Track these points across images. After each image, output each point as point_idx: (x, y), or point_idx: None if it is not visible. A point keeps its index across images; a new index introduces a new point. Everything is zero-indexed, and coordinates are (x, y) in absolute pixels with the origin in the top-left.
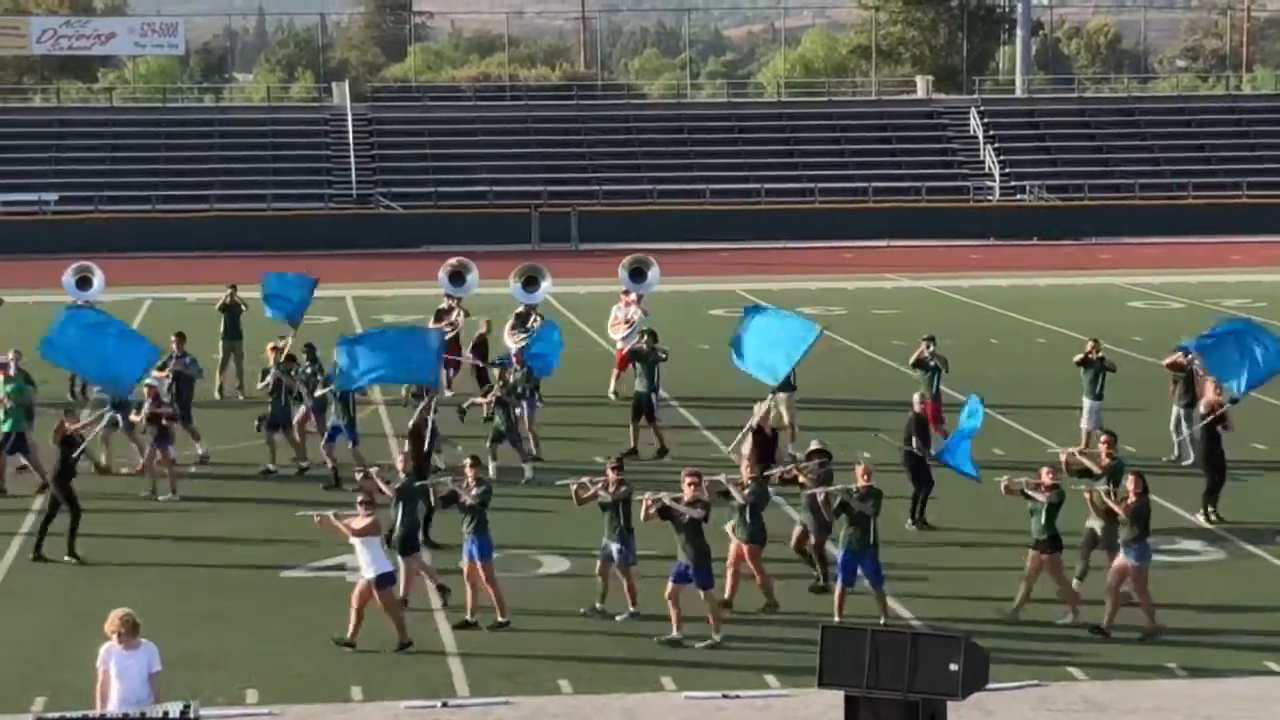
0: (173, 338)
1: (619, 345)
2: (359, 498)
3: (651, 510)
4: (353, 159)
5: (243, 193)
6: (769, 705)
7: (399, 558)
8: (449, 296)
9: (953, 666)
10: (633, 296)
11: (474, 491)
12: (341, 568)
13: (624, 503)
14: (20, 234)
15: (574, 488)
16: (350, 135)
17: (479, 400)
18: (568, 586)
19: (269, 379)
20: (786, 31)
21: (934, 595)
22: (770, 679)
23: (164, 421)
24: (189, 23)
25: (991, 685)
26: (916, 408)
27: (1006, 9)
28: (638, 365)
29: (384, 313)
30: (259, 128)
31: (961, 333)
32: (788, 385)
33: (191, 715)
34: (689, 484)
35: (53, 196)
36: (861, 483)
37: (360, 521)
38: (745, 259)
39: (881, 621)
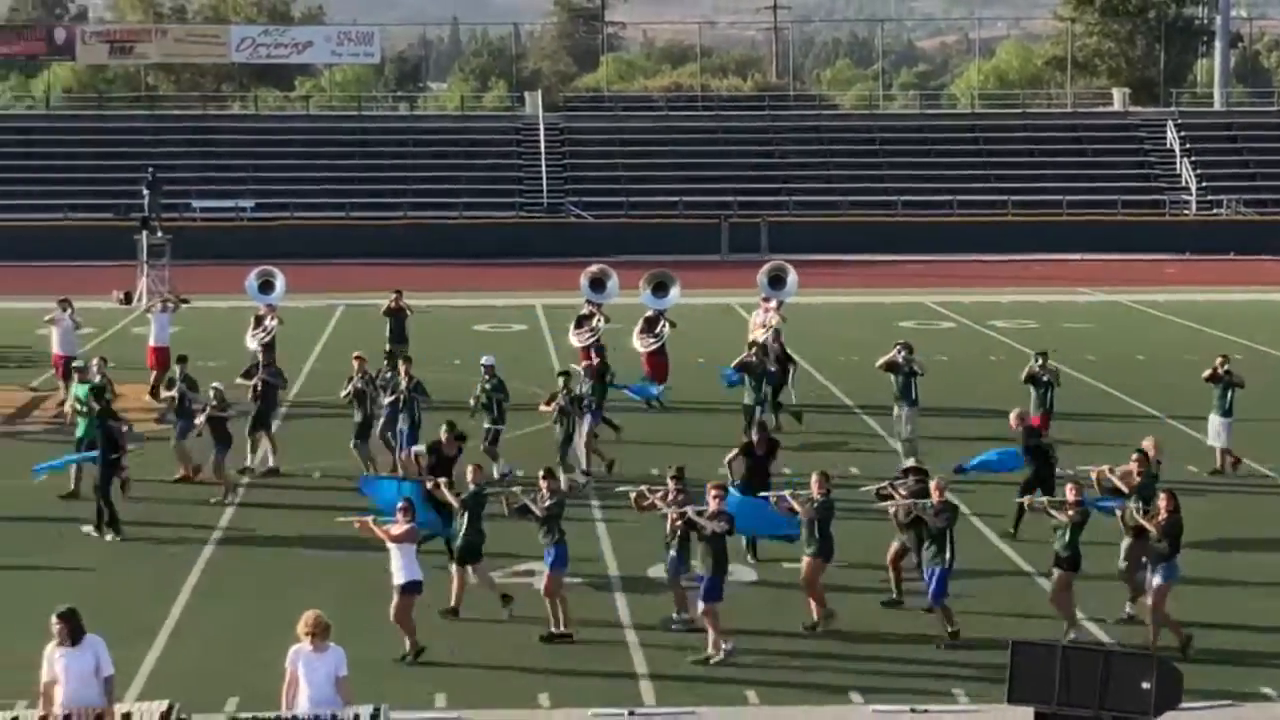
0: (260, 348)
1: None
2: (400, 504)
3: (678, 523)
4: (544, 168)
5: (435, 201)
6: None
7: (455, 567)
8: (590, 303)
9: (1145, 685)
10: (772, 303)
11: (546, 503)
12: (531, 573)
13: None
14: (218, 240)
15: (633, 496)
16: (542, 144)
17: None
18: (755, 597)
19: (349, 388)
20: (980, 42)
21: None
22: (959, 692)
23: (225, 426)
24: (384, 32)
25: (1183, 705)
26: (1013, 424)
27: (1205, 21)
28: (747, 379)
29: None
30: (452, 136)
31: (1157, 348)
32: (911, 400)
33: (381, 719)
34: (714, 497)
35: (249, 203)
36: (936, 499)
37: (398, 528)
38: (936, 271)
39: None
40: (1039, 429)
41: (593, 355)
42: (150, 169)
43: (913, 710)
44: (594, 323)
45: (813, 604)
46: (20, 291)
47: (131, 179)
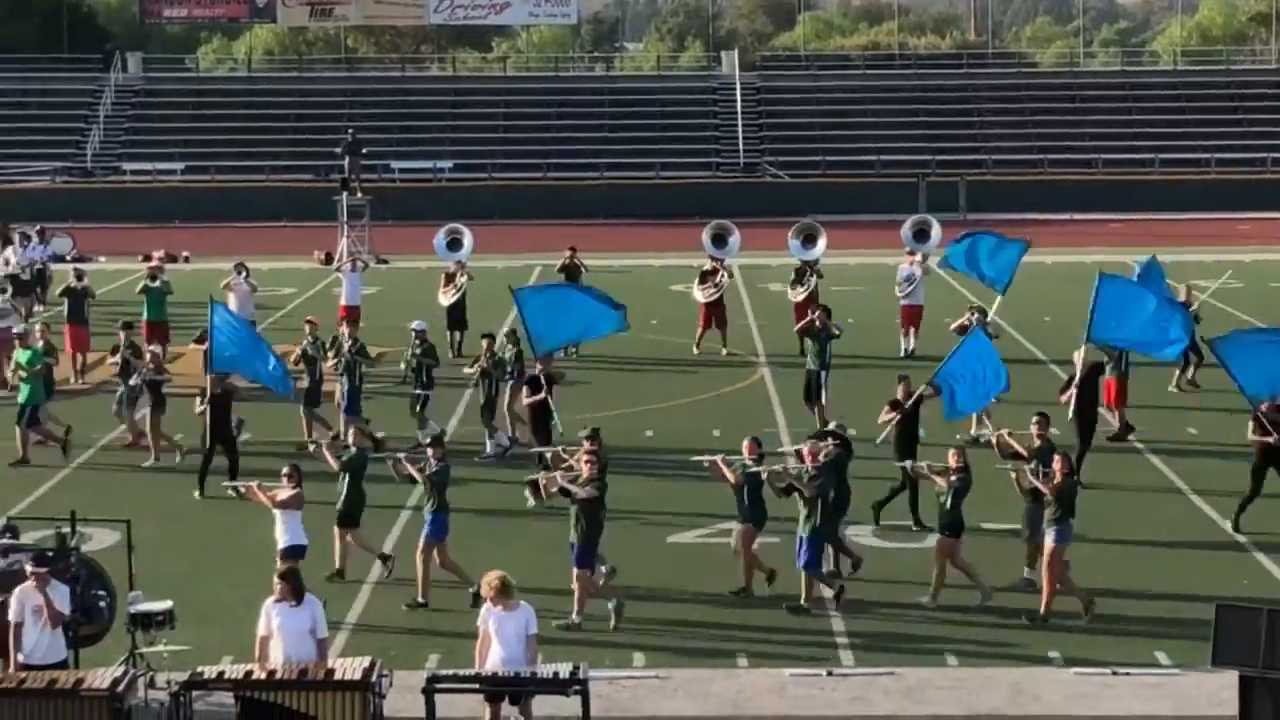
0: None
1: (901, 301)
2: (284, 469)
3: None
4: (740, 128)
5: (631, 161)
6: (1160, 684)
7: (338, 530)
8: (713, 258)
9: None
10: (917, 256)
11: (433, 470)
12: (727, 533)
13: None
14: (416, 200)
15: (706, 464)
16: (738, 104)
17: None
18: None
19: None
20: None
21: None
22: (1160, 655)
23: (162, 390)
24: None
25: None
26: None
27: None
28: (809, 342)
29: (770, 281)
30: (648, 97)
31: None
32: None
33: (581, 676)
34: (586, 462)
35: (448, 164)
36: (810, 465)
37: (283, 494)
38: (1137, 230)
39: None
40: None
41: (811, 312)
42: (350, 131)
43: (1113, 672)
44: (718, 278)
45: (743, 570)
46: (224, 252)
47: (331, 141)
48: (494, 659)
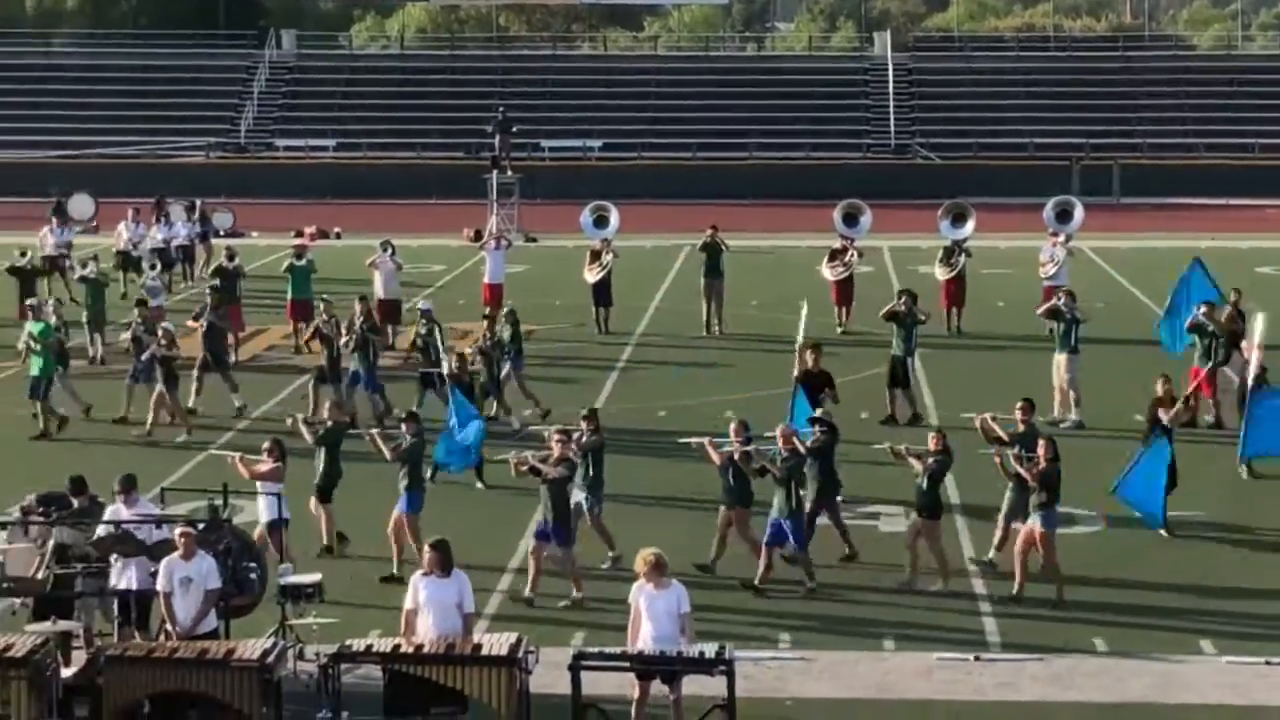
0: (208, 290)
1: (1044, 283)
2: (265, 444)
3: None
4: (892, 109)
5: (781, 141)
6: None
7: (317, 504)
8: (843, 237)
9: None
10: (1060, 237)
11: (407, 444)
12: (875, 516)
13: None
14: (566, 179)
15: (694, 445)
16: (890, 85)
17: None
18: (1099, 544)
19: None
20: None
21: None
22: None
23: (174, 366)
24: None
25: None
26: (1159, 390)
27: None
28: (895, 328)
29: (919, 263)
30: (799, 77)
31: None
32: (1071, 347)
33: (726, 656)
34: (557, 441)
35: (597, 143)
36: (782, 446)
37: (262, 467)
38: None
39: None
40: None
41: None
42: (500, 109)
43: (1267, 662)
44: (846, 257)
45: (755, 557)
46: (375, 229)
47: (482, 119)
48: (645, 637)
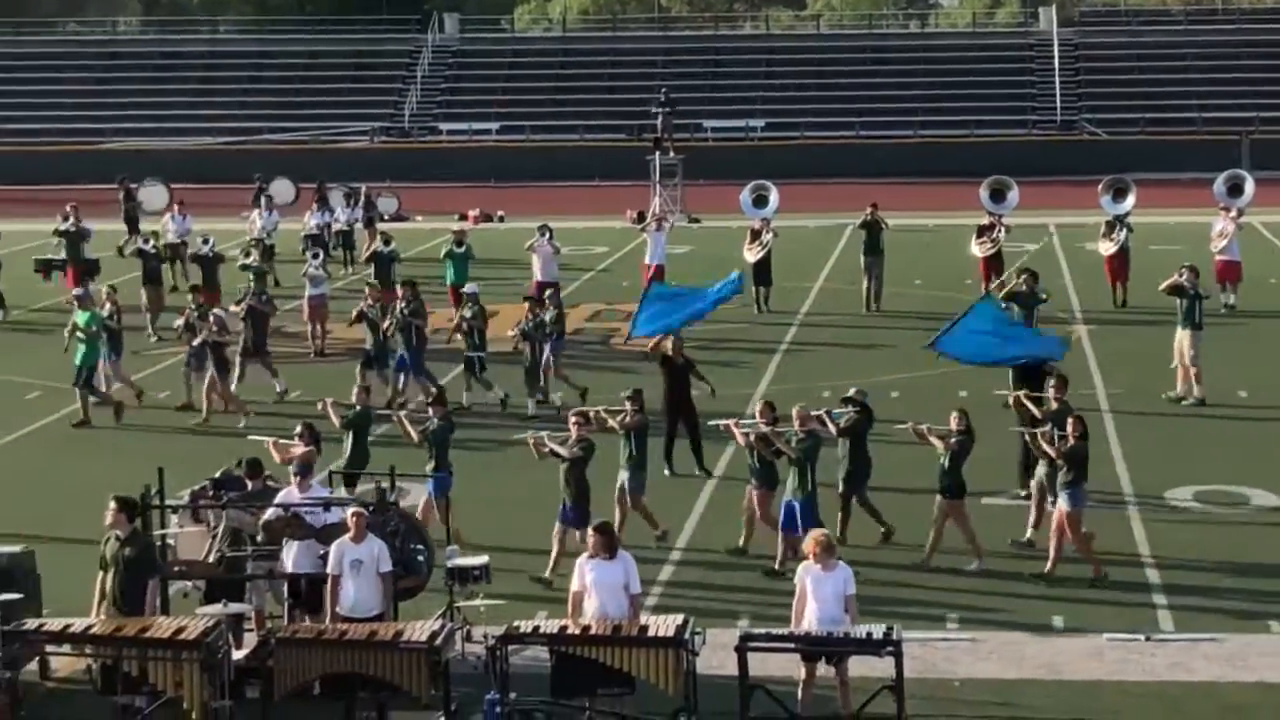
0: (252, 276)
1: (1216, 257)
2: (297, 428)
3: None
4: (1058, 84)
5: (946, 119)
6: None
7: (343, 488)
8: (990, 214)
9: None
10: (1232, 212)
11: (432, 427)
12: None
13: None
14: (728, 159)
15: (531, 443)
16: (1056, 60)
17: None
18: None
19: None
20: None
21: None
22: None
23: (225, 352)
24: None
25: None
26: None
27: None
28: (1015, 308)
29: (1086, 240)
30: (963, 54)
31: None
32: (1195, 323)
33: (894, 637)
34: (574, 424)
35: (760, 123)
36: (798, 428)
37: (295, 450)
38: None
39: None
40: None
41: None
42: (663, 90)
43: None
44: (994, 233)
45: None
46: (538, 212)
47: (644, 100)
48: (810, 618)
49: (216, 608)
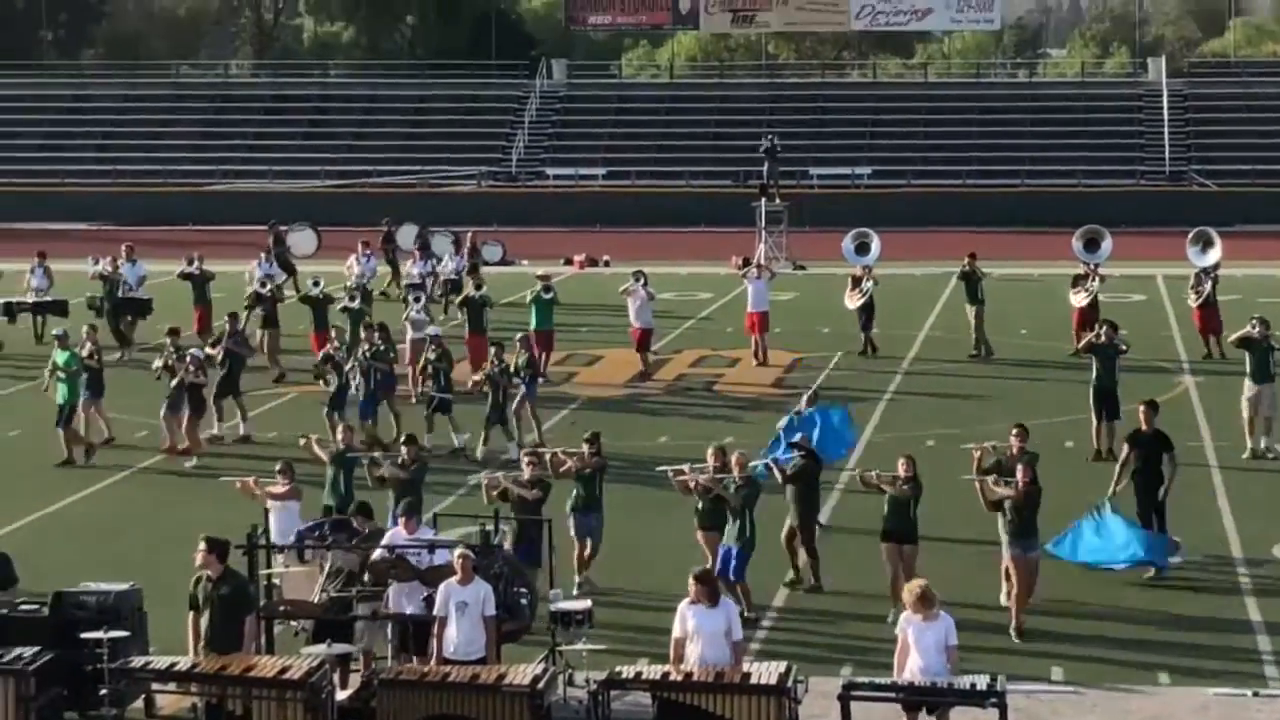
0: (226, 316)
1: None
2: (278, 465)
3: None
4: (1166, 135)
5: (1053, 168)
6: None
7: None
8: (1085, 263)
9: None
10: None
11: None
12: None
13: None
14: (834, 207)
15: (485, 484)
16: (1165, 111)
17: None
18: None
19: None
20: None
21: None
22: None
23: (203, 393)
24: None
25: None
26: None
27: None
28: (1095, 357)
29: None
30: (1072, 104)
31: None
32: (1266, 376)
33: (999, 688)
34: (528, 464)
35: (866, 170)
36: (738, 474)
37: (278, 488)
38: None
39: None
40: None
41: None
42: (769, 136)
43: None
44: (1089, 282)
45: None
46: (643, 257)
47: (750, 147)
48: (913, 668)
49: (321, 648)
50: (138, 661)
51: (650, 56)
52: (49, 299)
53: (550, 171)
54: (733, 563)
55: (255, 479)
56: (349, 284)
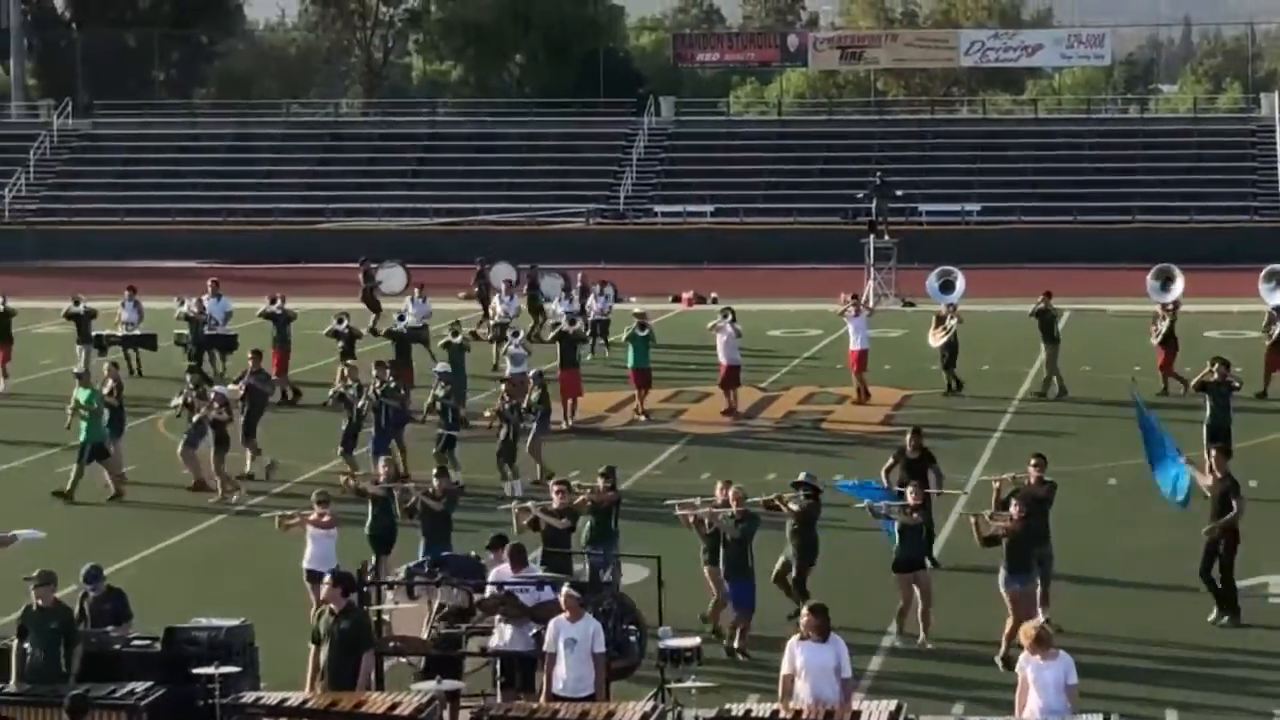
0: (249, 355)
1: None
2: (315, 495)
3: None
4: (1279, 171)
5: (1165, 204)
6: None
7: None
8: (1160, 305)
9: None
10: None
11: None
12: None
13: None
14: (943, 243)
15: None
16: (1278, 147)
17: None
18: None
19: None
20: None
21: None
22: None
23: (225, 430)
24: (1114, 34)
25: None
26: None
27: None
28: (1207, 395)
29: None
30: (1184, 139)
31: None
32: None
33: None
34: (556, 492)
35: (976, 207)
36: (736, 509)
37: (315, 516)
38: None
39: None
40: None
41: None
42: (878, 173)
43: None
44: (1157, 324)
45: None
46: (750, 294)
47: (859, 183)
48: (1032, 708)
49: (431, 684)
50: (249, 697)
51: (758, 94)
52: (138, 333)
53: (658, 209)
54: (738, 597)
55: (297, 513)
56: (492, 322)
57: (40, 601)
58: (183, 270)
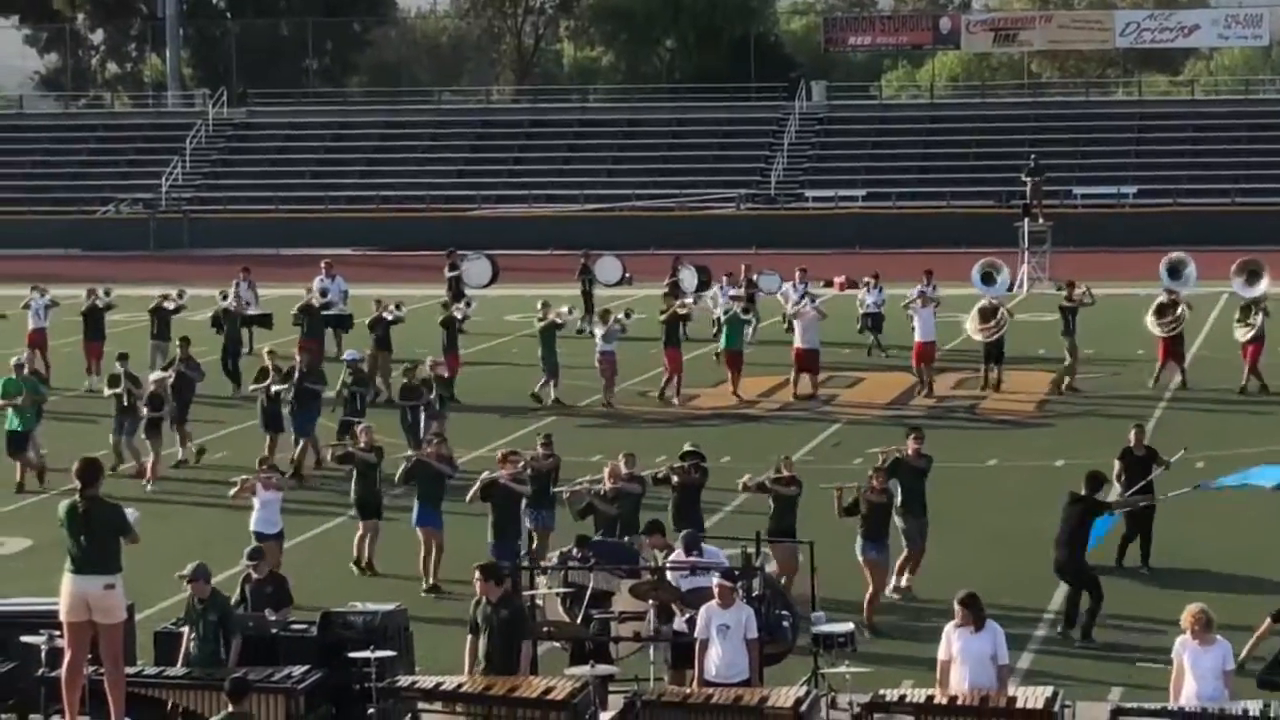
0: (178, 341)
1: None
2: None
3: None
4: None
5: None
6: None
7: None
8: (1169, 291)
9: None
10: None
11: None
12: None
13: None
14: (1099, 226)
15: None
16: None
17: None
18: None
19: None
20: None
21: None
22: None
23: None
24: (1273, 13)
25: None
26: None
27: None
28: None
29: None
30: None
31: None
32: None
33: (1272, 715)
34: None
35: (1131, 189)
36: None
37: (261, 482)
38: None
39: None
40: None
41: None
42: (1032, 156)
43: None
44: (1177, 311)
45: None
46: (903, 278)
47: (1013, 166)
48: (1189, 694)
49: (584, 669)
50: (404, 681)
51: (910, 77)
52: (255, 313)
53: (809, 193)
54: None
55: (244, 479)
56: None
57: (196, 596)
58: (339, 257)
